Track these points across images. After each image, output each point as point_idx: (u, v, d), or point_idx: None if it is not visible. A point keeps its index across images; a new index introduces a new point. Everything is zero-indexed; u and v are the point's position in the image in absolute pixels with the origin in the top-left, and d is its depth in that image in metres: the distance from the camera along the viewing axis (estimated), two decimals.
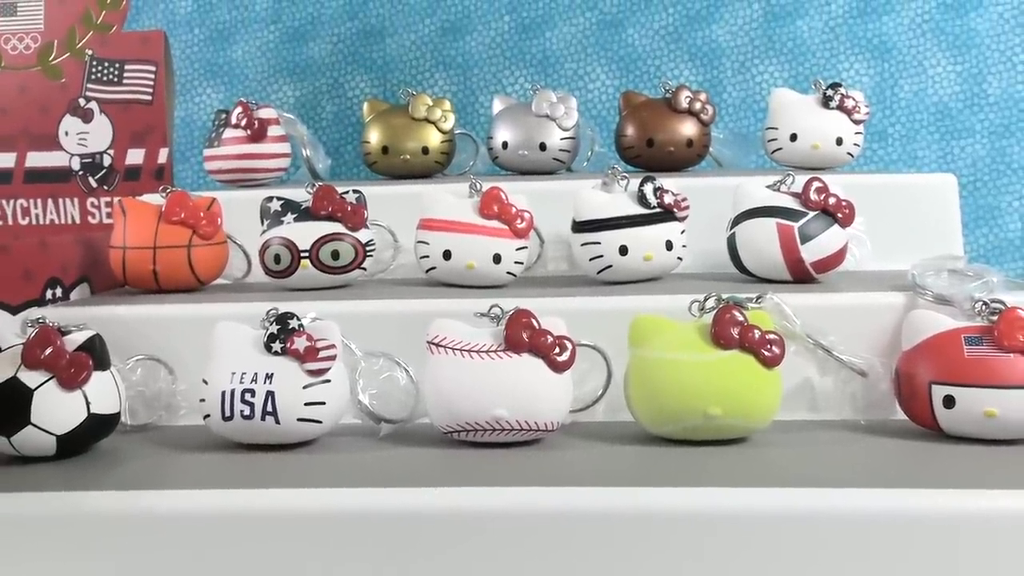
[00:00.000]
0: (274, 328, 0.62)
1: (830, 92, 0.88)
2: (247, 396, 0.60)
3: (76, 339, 0.62)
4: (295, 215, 0.75)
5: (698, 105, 0.90)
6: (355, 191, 0.77)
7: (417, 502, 0.54)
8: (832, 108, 0.88)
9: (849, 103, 0.88)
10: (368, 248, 0.77)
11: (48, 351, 0.60)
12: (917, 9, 1.15)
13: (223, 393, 0.61)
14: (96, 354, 0.62)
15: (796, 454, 0.60)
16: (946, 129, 1.15)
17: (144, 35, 1.07)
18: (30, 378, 0.60)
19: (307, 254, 0.75)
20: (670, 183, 0.76)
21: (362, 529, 0.54)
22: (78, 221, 1.06)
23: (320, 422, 0.62)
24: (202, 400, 0.62)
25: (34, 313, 0.67)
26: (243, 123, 0.90)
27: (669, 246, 0.74)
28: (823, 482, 0.54)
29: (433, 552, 0.54)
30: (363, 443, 0.64)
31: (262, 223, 0.77)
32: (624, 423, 0.64)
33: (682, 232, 0.75)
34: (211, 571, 0.55)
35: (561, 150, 0.92)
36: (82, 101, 1.06)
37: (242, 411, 0.60)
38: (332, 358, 0.62)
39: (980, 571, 0.51)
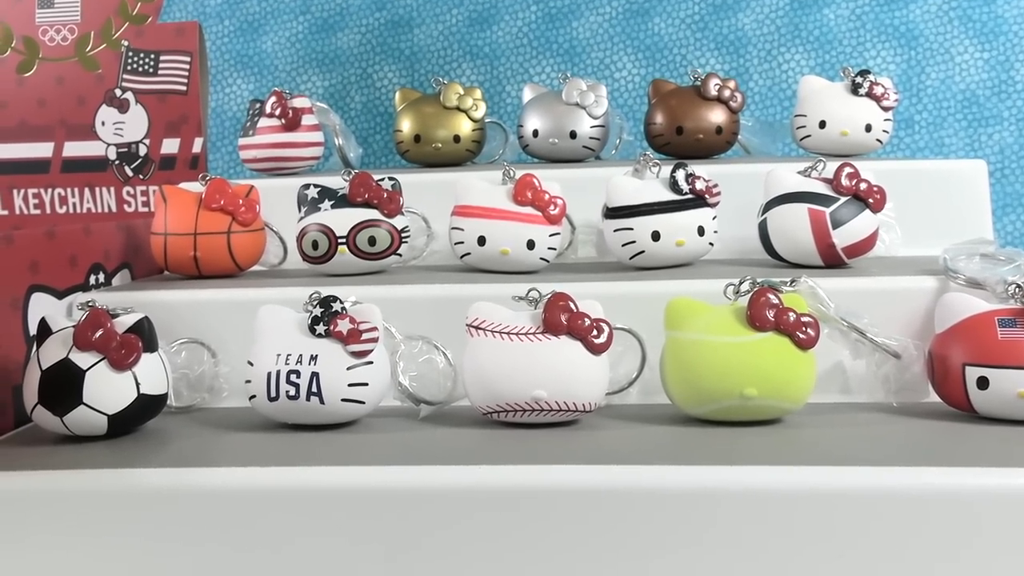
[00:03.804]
0: (318, 311, 0.63)
1: (859, 79, 0.89)
2: (292, 377, 0.62)
3: (125, 322, 0.63)
4: (332, 202, 0.77)
5: (727, 93, 0.91)
6: (391, 178, 0.78)
7: (459, 479, 0.56)
8: (861, 95, 0.89)
9: (878, 90, 0.88)
10: (403, 234, 0.78)
11: (99, 333, 0.62)
12: None
13: (269, 374, 0.62)
14: (145, 336, 0.63)
15: (830, 434, 0.61)
16: (974, 116, 1.15)
17: (179, 26, 1.08)
18: (82, 359, 0.62)
19: (344, 240, 0.76)
20: (700, 170, 0.76)
21: (405, 505, 0.55)
22: (114, 210, 1.08)
23: (363, 403, 0.63)
24: (248, 381, 0.64)
25: (83, 297, 0.69)
26: (278, 112, 0.92)
27: (701, 232, 0.75)
28: (857, 461, 0.55)
29: (473, 528, 0.55)
30: (404, 424, 0.65)
31: (299, 210, 0.78)
32: (658, 405, 0.65)
33: (714, 218, 0.76)
34: (258, 545, 0.56)
35: (591, 138, 0.92)
36: (118, 91, 1.07)
37: (288, 392, 0.62)
38: (375, 340, 0.63)
39: (1015, 547, 0.52)
